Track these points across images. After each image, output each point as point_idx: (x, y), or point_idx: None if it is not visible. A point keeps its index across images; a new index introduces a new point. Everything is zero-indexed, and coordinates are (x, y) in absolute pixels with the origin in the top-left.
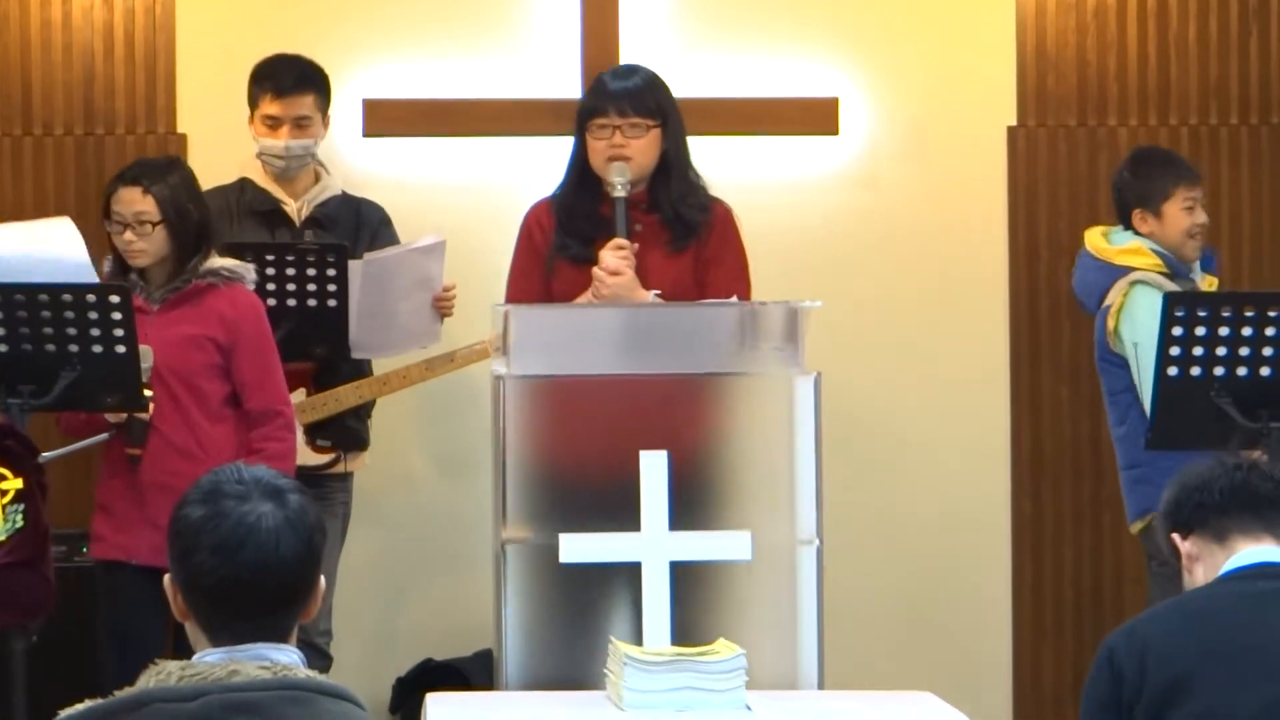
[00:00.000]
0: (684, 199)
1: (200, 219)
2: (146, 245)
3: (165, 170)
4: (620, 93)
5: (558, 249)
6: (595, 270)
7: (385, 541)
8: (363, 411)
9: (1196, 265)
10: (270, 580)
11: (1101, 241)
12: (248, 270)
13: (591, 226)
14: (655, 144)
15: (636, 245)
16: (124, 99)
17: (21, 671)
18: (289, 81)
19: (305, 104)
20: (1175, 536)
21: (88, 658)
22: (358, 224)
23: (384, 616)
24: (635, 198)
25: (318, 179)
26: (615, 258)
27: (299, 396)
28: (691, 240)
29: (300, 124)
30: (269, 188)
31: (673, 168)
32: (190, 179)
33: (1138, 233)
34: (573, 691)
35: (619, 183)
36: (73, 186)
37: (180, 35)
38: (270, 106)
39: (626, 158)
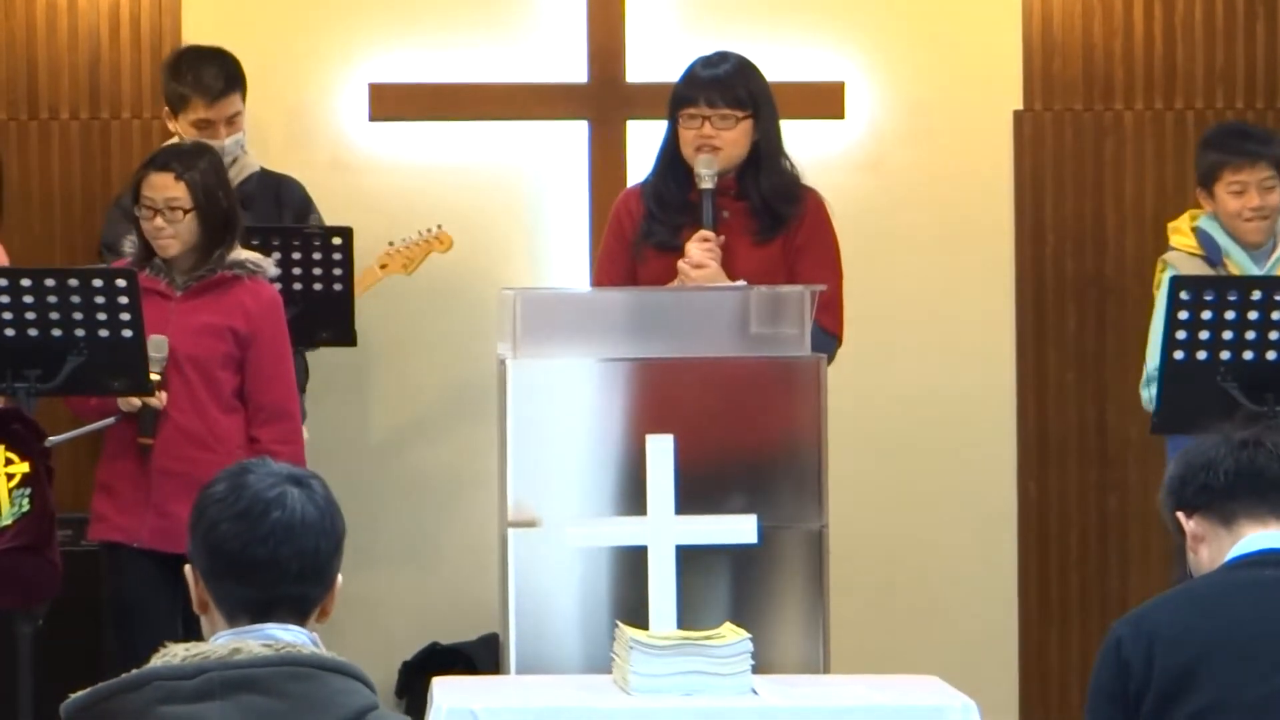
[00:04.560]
0: (775, 191)
1: (228, 207)
2: (177, 232)
3: (196, 157)
4: (710, 82)
5: (644, 236)
6: (680, 263)
7: (390, 526)
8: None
9: (1275, 251)
10: (293, 547)
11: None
12: (269, 264)
13: (681, 214)
14: (746, 134)
15: (723, 237)
16: (129, 83)
17: (28, 655)
18: (218, 86)
19: (234, 102)
20: (1180, 515)
21: (93, 641)
22: (278, 203)
23: (389, 601)
24: (723, 184)
25: (235, 159)
26: (699, 250)
27: None
28: (780, 231)
29: (231, 121)
30: None
31: (764, 158)
32: (219, 166)
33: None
34: (579, 675)
35: (706, 174)
36: (78, 170)
37: (186, 19)
38: (202, 112)
39: (715, 148)
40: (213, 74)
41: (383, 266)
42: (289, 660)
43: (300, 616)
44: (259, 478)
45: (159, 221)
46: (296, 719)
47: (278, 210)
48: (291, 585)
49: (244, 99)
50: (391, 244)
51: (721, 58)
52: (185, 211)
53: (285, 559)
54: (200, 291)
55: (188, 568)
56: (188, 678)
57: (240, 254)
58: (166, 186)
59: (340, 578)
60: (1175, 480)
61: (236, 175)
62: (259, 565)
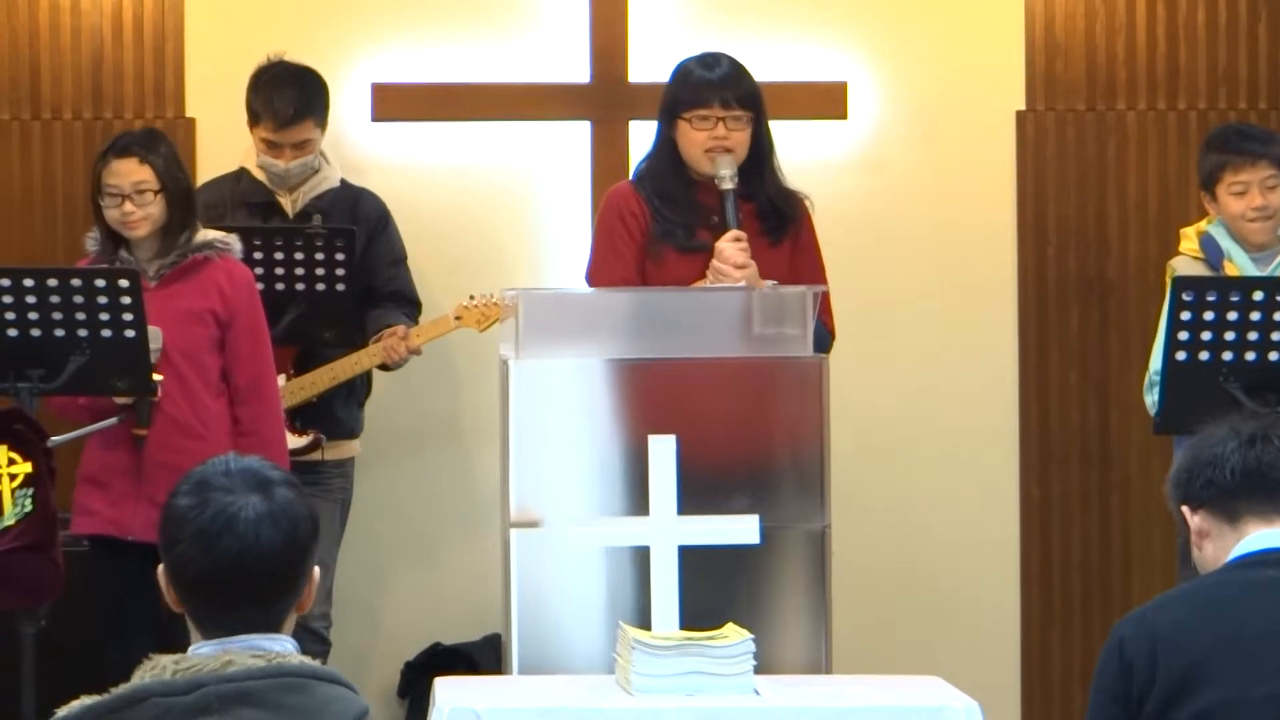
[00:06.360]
0: (778, 192)
1: (188, 188)
2: (147, 214)
3: (155, 140)
4: (721, 83)
5: (663, 235)
6: (716, 264)
7: (393, 527)
8: (353, 399)
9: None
10: (249, 572)
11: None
12: (236, 240)
13: (691, 214)
14: (749, 135)
15: (745, 236)
16: (132, 83)
17: (31, 655)
18: (288, 113)
19: (305, 129)
20: (1185, 509)
21: (94, 642)
22: (354, 218)
23: (392, 601)
24: None
25: (316, 170)
26: (737, 250)
27: (280, 380)
28: (787, 232)
29: (300, 147)
30: (264, 180)
31: (765, 157)
32: (175, 149)
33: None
34: (581, 676)
35: (727, 175)
36: (81, 171)
37: (189, 18)
38: (270, 134)
39: (729, 149)
40: (286, 98)
41: (457, 318)
42: (282, 671)
43: (274, 627)
44: (220, 492)
45: (128, 206)
46: None
47: (352, 224)
48: (254, 605)
49: (321, 126)
50: (472, 298)
51: (716, 59)
52: (154, 193)
53: (244, 583)
54: (175, 278)
55: (160, 569)
56: (183, 693)
57: (207, 234)
58: (132, 171)
59: (316, 570)
60: (1182, 474)
61: (314, 187)
62: (217, 589)
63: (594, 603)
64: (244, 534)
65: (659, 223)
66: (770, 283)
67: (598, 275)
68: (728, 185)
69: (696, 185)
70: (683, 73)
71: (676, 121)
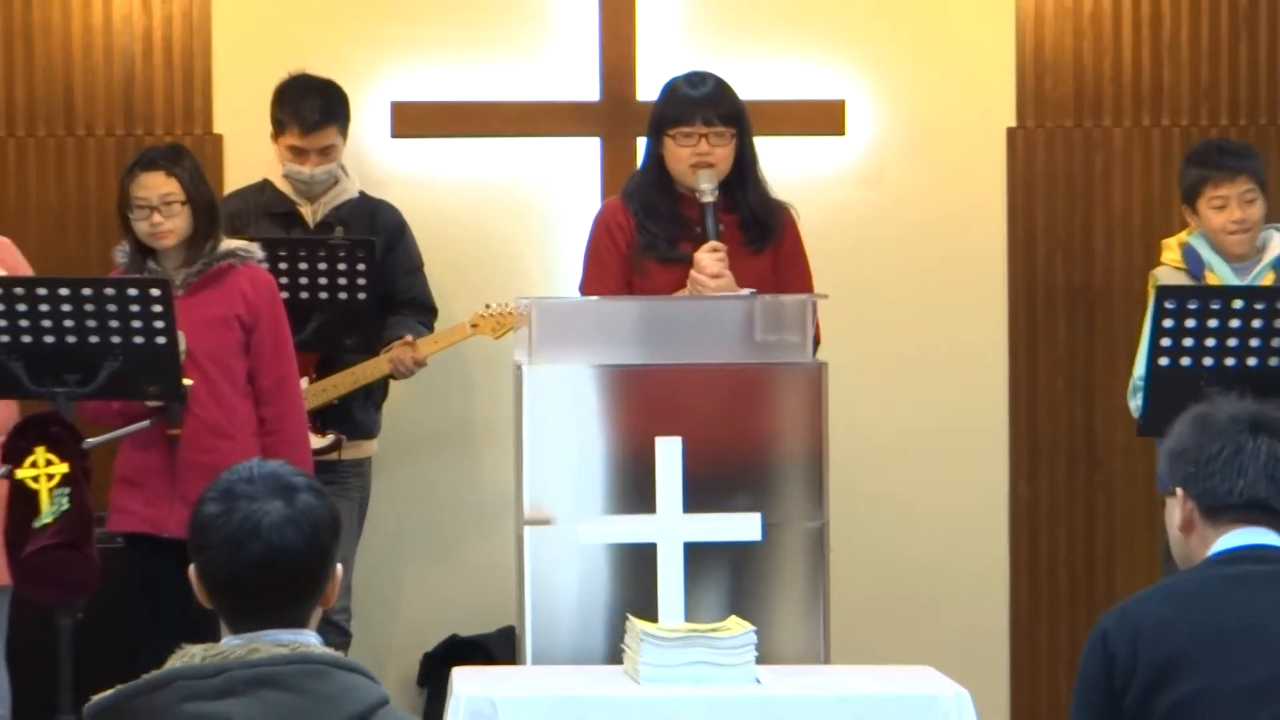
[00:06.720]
0: (761, 203)
1: (212, 200)
2: (174, 226)
3: (179, 154)
4: (704, 101)
5: (645, 247)
6: (694, 274)
7: (412, 525)
8: (370, 401)
9: (1263, 261)
10: (275, 575)
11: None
12: (257, 248)
13: (674, 226)
14: (733, 150)
15: (725, 247)
16: (162, 101)
17: (68, 648)
18: (313, 118)
19: (329, 135)
20: (1179, 490)
21: (129, 634)
22: (372, 228)
23: (411, 596)
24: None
25: (336, 182)
26: (713, 260)
27: (302, 384)
28: (769, 242)
29: (324, 152)
30: (286, 190)
31: (748, 171)
32: (198, 163)
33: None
34: (591, 666)
35: (708, 189)
36: (113, 185)
37: (216, 39)
38: (296, 140)
39: (711, 164)
40: (311, 105)
41: (474, 326)
42: (305, 658)
43: (300, 624)
44: (244, 500)
45: (156, 218)
46: (314, 713)
47: (371, 234)
48: (280, 604)
49: (344, 133)
50: (488, 306)
51: (702, 78)
52: (181, 204)
53: (269, 584)
54: (201, 286)
55: (192, 569)
56: (210, 676)
57: (230, 243)
58: (159, 184)
59: (340, 567)
60: (1185, 463)
61: (334, 198)
62: (245, 592)
63: (603, 597)
64: (268, 539)
65: (643, 235)
66: (749, 290)
67: (587, 287)
68: (708, 198)
69: (681, 198)
70: (670, 90)
71: (663, 137)
